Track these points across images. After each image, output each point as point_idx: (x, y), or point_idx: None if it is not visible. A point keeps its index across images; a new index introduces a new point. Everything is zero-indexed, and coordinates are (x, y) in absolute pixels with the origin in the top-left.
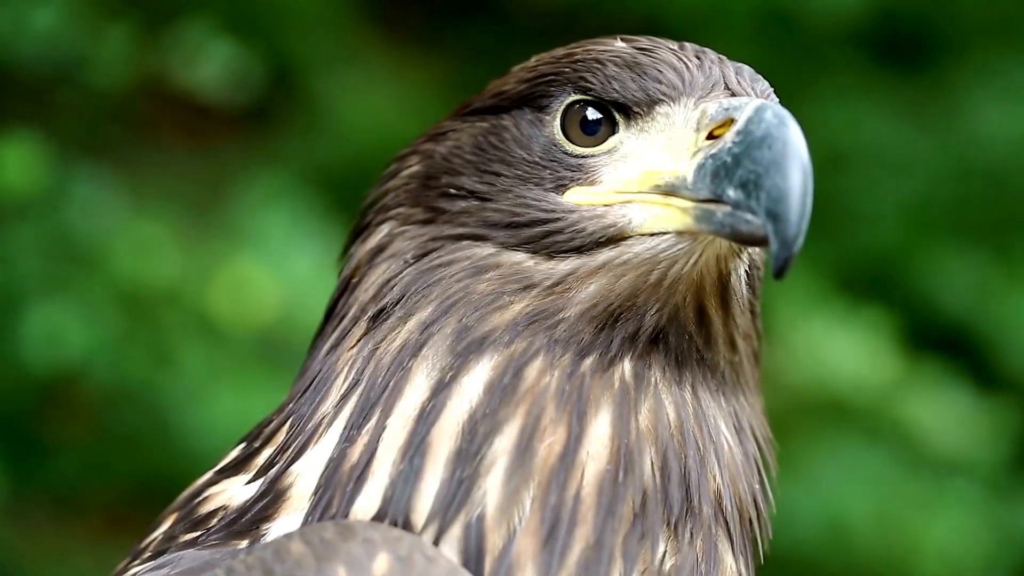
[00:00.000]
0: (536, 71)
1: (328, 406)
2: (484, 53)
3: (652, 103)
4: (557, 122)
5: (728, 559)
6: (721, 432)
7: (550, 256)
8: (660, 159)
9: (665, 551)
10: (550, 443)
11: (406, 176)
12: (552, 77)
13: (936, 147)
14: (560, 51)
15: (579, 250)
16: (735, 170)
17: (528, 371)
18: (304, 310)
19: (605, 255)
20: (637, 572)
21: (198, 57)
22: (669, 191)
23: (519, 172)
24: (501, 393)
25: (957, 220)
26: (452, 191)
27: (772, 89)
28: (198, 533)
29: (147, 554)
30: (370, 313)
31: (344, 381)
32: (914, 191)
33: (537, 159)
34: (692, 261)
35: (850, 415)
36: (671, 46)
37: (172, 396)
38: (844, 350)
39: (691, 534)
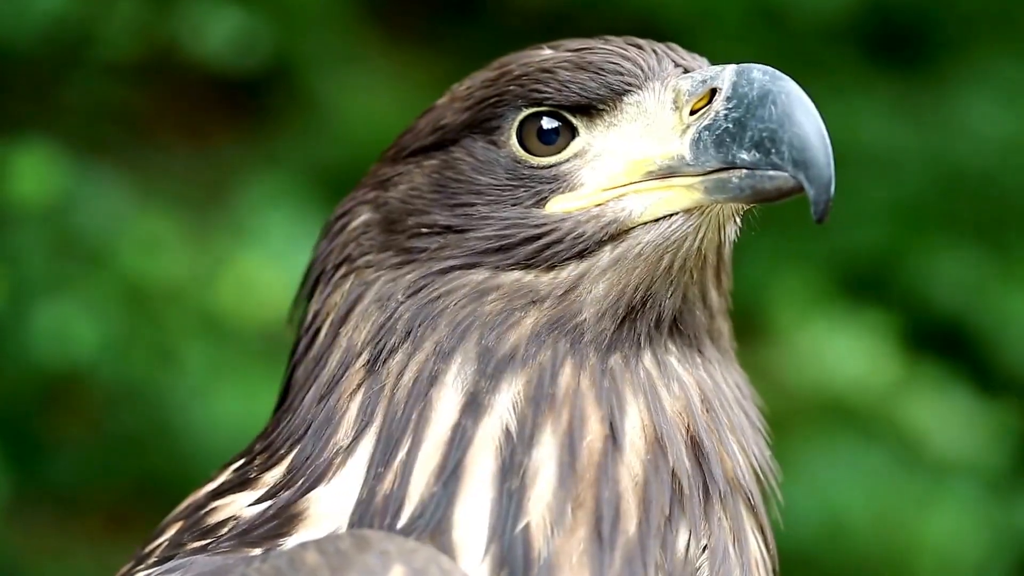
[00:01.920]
0: (474, 97)
1: (341, 440)
2: (484, 53)
3: (618, 95)
4: (514, 140)
5: (752, 536)
6: (734, 403)
7: (550, 268)
8: (643, 146)
9: (700, 535)
10: (590, 442)
11: (359, 226)
12: (495, 99)
13: (929, 145)
14: (490, 73)
15: (581, 255)
16: (743, 134)
17: (560, 377)
18: None
19: (611, 253)
20: (677, 558)
21: (205, 27)
22: (667, 173)
23: (491, 197)
24: (536, 403)
25: (951, 218)
26: (424, 230)
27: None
28: (208, 541)
29: (152, 559)
30: (364, 358)
31: (355, 419)
32: (908, 189)
33: (505, 181)
34: (700, 236)
35: (849, 416)
36: (603, 44)
37: (176, 394)
38: (844, 352)
39: (721, 514)
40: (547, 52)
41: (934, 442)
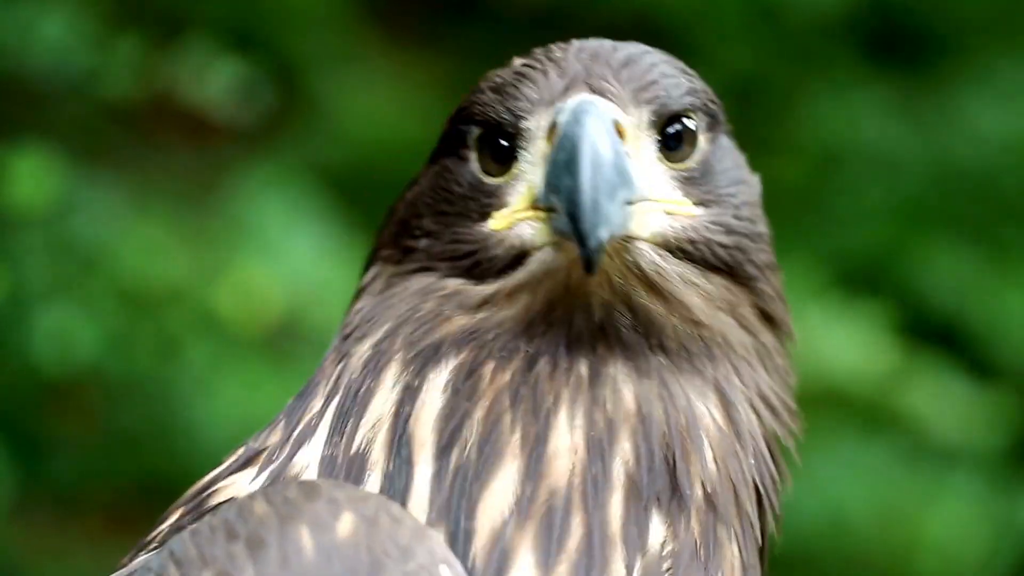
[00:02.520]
0: (456, 110)
1: (316, 406)
2: (484, 53)
3: (518, 120)
4: (474, 156)
5: (729, 544)
6: (703, 412)
7: (481, 280)
8: (533, 174)
9: (664, 537)
10: (516, 438)
11: (395, 222)
12: (463, 114)
13: (928, 144)
14: (477, 84)
15: (499, 273)
16: (549, 175)
17: (483, 371)
18: (306, 307)
19: (518, 274)
20: (639, 557)
21: (205, 73)
22: (536, 205)
23: (458, 208)
24: (461, 393)
25: (949, 218)
26: (417, 232)
27: (660, 70)
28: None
29: (154, 544)
30: (340, 337)
31: (325, 387)
32: (906, 188)
33: (466, 194)
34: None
35: (848, 406)
36: (548, 53)
37: (176, 393)
38: (841, 342)
39: (686, 519)
40: (513, 65)
41: (934, 432)
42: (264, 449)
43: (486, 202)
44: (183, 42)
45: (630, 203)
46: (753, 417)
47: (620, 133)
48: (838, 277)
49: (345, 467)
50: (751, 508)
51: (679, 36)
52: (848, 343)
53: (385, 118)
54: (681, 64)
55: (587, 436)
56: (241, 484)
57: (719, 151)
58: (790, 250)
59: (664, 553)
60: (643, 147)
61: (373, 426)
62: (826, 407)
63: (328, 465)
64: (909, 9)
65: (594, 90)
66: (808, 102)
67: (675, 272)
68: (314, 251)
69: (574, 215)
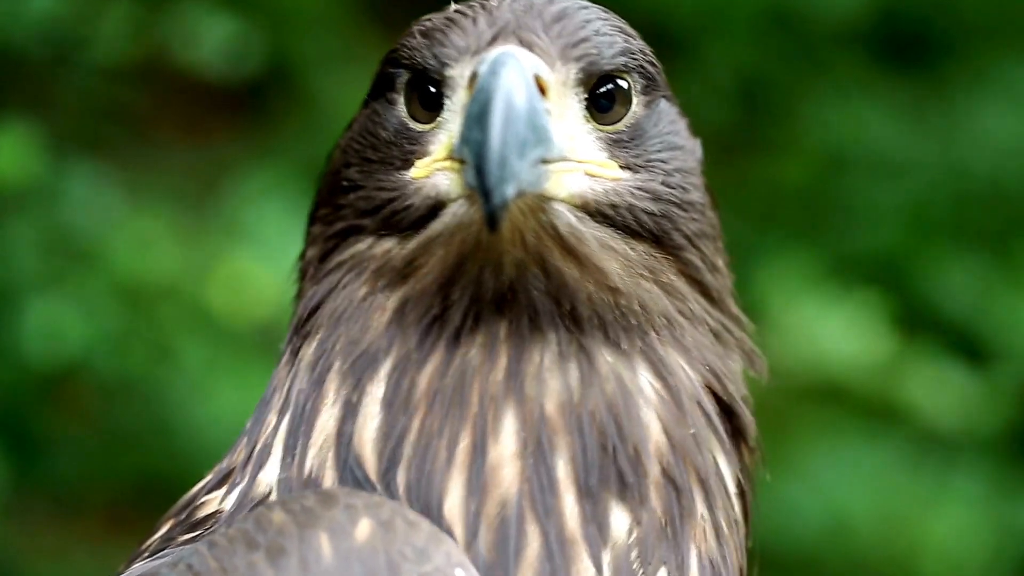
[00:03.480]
0: (387, 53)
1: (272, 422)
2: None
3: (443, 67)
4: (401, 101)
5: (694, 513)
6: (639, 385)
7: (405, 237)
8: (455, 123)
9: (629, 524)
10: (456, 445)
11: (328, 174)
12: (392, 57)
13: (936, 148)
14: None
15: (417, 224)
16: (463, 127)
17: (413, 377)
18: None
19: (432, 227)
20: (607, 551)
21: (198, 35)
22: (452, 155)
23: (382, 154)
24: (395, 406)
25: (957, 222)
26: (345, 183)
27: (594, 27)
28: (196, 534)
29: (145, 554)
30: (292, 329)
31: (279, 400)
32: (914, 192)
33: (391, 139)
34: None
35: (846, 399)
36: (484, 1)
37: (172, 391)
38: (838, 332)
39: (646, 500)
40: (447, 10)
41: (933, 423)
42: (233, 468)
43: (409, 149)
44: (175, 6)
45: (545, 161)
46: (694, 379)
47: (542, 89)
48: (837, 270)
49: (300, 491)
50: (712, 471)
51: (687, 38)
52: (846, 333)
53: None
54: (620, 23)
55: (523, 439)
56: (219, 499)
57: (655, 115)
58: (793, 249)
59: (631, 541)
60: (568, 105)
61: (320, 447)
62: (825, 401)
63: (285, 488)
64: (917, 12)
65: (522, 42)
66: (814, 104)
67: (593, 236)
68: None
69: (480, 169)
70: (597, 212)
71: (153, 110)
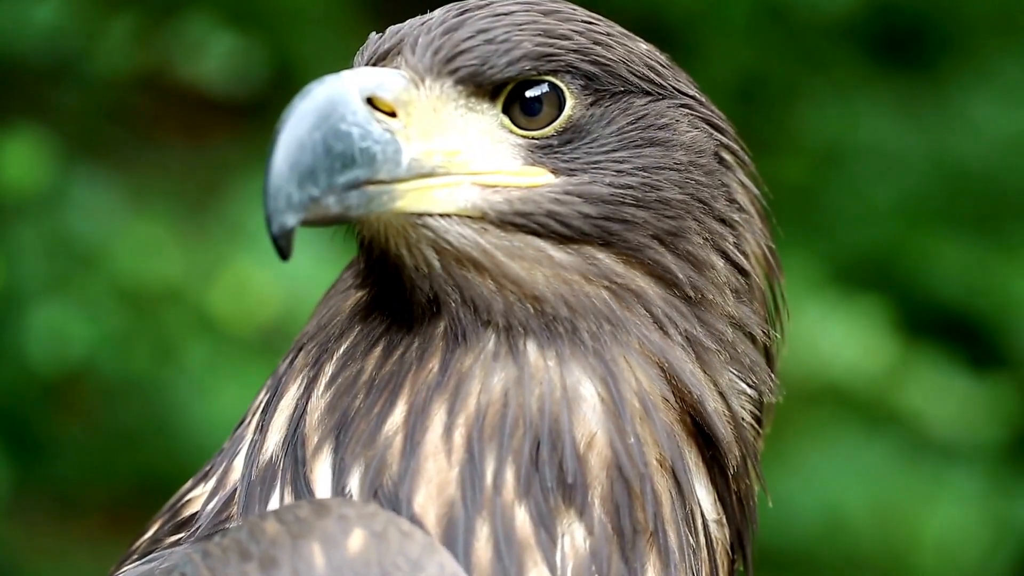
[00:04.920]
0: None
1: (249, 413)
2: None
3: None
4: None
5: (650, 527)
6: (577, 393)
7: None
8: None
9: (582, 532)
10: (391, 435)
11: None
12: None
13: (931, 144)
14: None
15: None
16: None
17: (356, 363)
18: (304, 306)
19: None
20: (559, 554)
21: (200, 50)
22: None
23: None
24: (340, 388)
25: (952, 216)
26: None
27: (491, 35)
28: (181, 535)
29: (134, 556)
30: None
31: (263, 393)
32: (910, 187)
33: None
34: (367, 232)
35: (847, 402)
36: (415, 19)
37: (174, 393)
38: (839, 337)
39: (593, 509)
40: (433, 15)
41: (933, 427)
42: (217, 465)
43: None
44: (178, 20)
45: (377, 182)
46: (645, 388)
47: (389, 110)
48: (838, 273)
49: (260, 477)
50: (661, 488)
51: (684, 35)
52: (847, 339)
53: None
54: (555, 25)
55: (456, 437)
56: (203, 497)
57: (612, 113)
58: (790, 247)
59: (586, 549)
60: (449, 119)
61: (281, 425)
62: (825, 403)
63: (248, 475)
64: (911, 9)
65: (402, 60)
66: (812, 101)
67: (497, 246)
68: (311, 252)
69: (265, 192)
70: (503, 222)
71: (155, 114)
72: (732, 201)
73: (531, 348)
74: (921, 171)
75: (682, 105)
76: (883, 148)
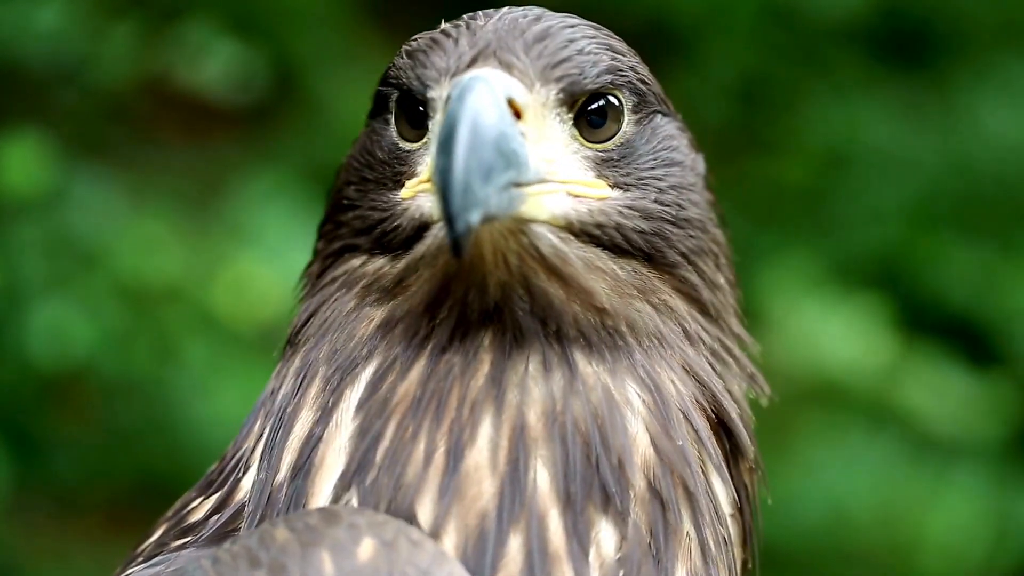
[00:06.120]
0: (384, 71)
1: (256, 427)
2: None
3: (425, 89)
4: (393, 120)
5: (681, 529)
6: (627, 398)
7: (396, 256)
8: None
9: (616, 540)
10: (430, 454)
11: (333, 190)
12: (385, 76)
13: (937, 146)
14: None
15: (406, 245)
16: (433, 152)
17: (392, 383)
18: None
19: (417, 248)
20: (593, 568)
21: (201, 57)
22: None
23: (376, 173)
24: (371, 411)
25: (958, 219)
26: (344, 202)
27: (577, 46)
28: (188, 539)
29: (140, 559)
30: (287, 339)
31: (265, 408)
32: (915, 190)
33: (385, 159)
34: (482, 243)
35: (847, 400)
36: (471, 20)
37: (175, 392)
38: (840, 335)
39: (628, 514)
40: (439, 28)
41: (934, 425)
42: (220, 474)
43: (400, 169)
44: (179, 26)
45: (519, 185)
46: (684, 396)
47: (518, 112)
48: (839, 273)
49: (272, 494)
50: (702, 488)
51: (688, 37)
52: (847, 336)
53: None
54: (610, 40)
55: (501, 447)
56: (211, 502)
57: (648, 132)
58: (792, 247)
59: (618, 557)
60: (548, 126)
61: (295, 451)
62: (826, 401)
63: (258, 491)
64: (916, 11)
65: (501, 63)
66: (815, 103)
67: (578, 256)
68: (310, 248)
69: (445, 196)
70: (582, 232)
71: (156, 113)
72: (720, 220)
73: (581, 358)
74: (925, 173)
75: (678, 127)
76: (886, 149)
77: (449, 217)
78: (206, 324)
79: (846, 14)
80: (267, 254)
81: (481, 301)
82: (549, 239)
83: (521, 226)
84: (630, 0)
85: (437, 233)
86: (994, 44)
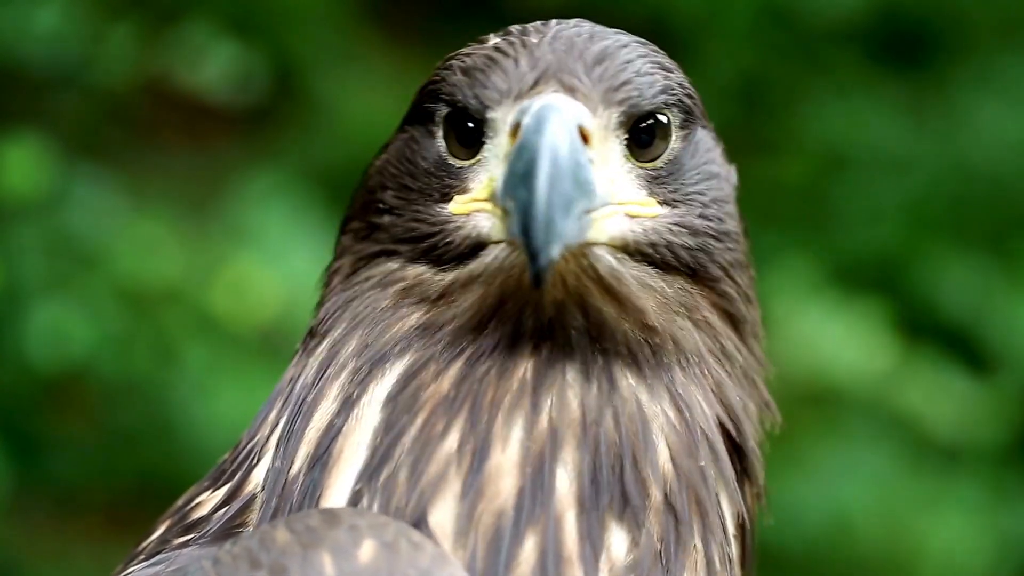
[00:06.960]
0: (424, 83)
1: (271, 418)
2: None
3: (484, 109)
4: (440, 134)
5: (691, 545)
6: (656, 413)
7: (441, 268)
8: (496, 167)
9: (627, 547)
10: (454, 455)
11: (364, 190)
12: (431, 89)
13: (936, 147)
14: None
15: (458, 260)
16: (507, 181)
17: (425, 379)
18: (304, 307)
19: (473, 264)
20: (603, 572)
21: (201, 58)
22: (494, 199)
23: (421, 184)
24: (399, 405)
25: (957, 220)
26: (381, 206)
27: (635, 67)
28: (190, 536)
29: (141, 556)
30: (307, 332)
31: (282, 397)
32: (913, 191)
33: (431, 171)
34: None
35: (848, 404)
36: (523, 36)
37: (174, 393)
38: (840, 338)
39: (644, 524)
40: (488, 43)
41: (935, 430)
42: (229, 466)
43: (449, 183)
44: (179, 27)
45: (589, 212)
46: (709, 416)
47: (585, 138)
48: (839, 275)
49: (286, 484)
50: (714, 506)
51: (686, 37)
52: (848, 340)
53: (385, 118)
54: (660, 57)
55: (530, 449)
56: (216, 499)
57: (691, 147)
58: (792, 249)
59: (628, 563)
60: (610, 148)
61: (312, 442)
62: (827, 406)
63: (272, 480)
64: (915, 11)
65: (564, 86)
66: (814, 104)
67: (632, 275)
68: (312, 251)
69: (527, 230)
70: (636, 252)
71: (155, 114)
72: (745, 232)
73: (620, 372)
74: (925, 174)
75: (714, 139)
76: (886, 150)
77: (532, 252)
78: (206, 325)
79: (845, 14)
80: (267, 255)
81: (536, 319)
82: (608, 260)
83: (584, 250)
84: (630, 0)
85: (498, 254)
86: (993, 45)
